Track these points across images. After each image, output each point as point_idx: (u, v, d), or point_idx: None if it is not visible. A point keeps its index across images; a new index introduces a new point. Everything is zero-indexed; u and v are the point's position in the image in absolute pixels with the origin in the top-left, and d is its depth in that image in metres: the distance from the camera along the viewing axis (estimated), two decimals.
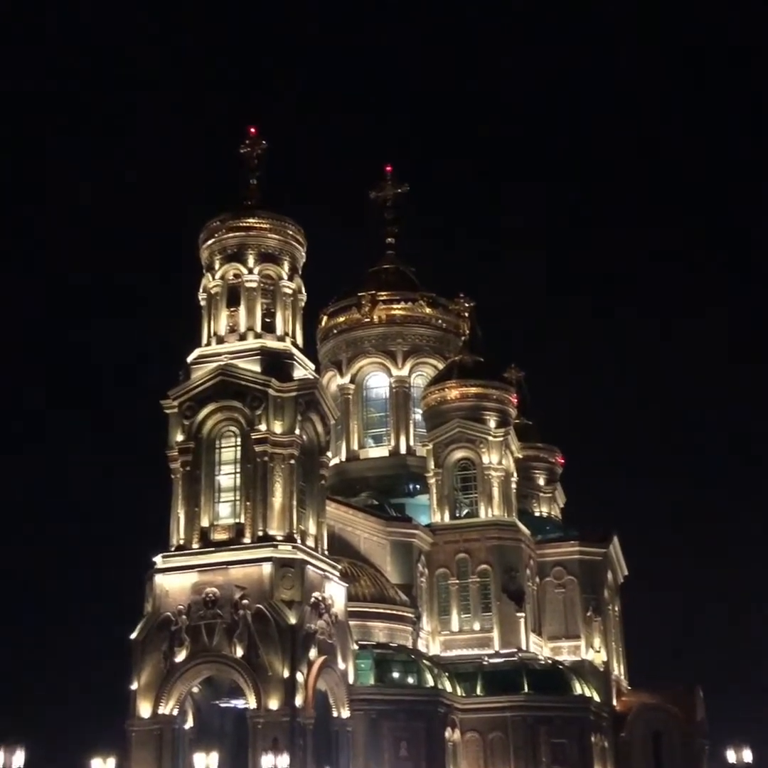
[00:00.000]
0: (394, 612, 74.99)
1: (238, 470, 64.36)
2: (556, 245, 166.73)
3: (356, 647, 68.34)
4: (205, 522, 63.79)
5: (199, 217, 71.72)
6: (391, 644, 73.19)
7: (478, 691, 74.48)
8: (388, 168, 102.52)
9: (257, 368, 65.64)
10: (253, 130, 72.13)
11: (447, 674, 73.93)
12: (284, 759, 53.73)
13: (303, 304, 71.69)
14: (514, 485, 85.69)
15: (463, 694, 73.82)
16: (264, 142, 71.97)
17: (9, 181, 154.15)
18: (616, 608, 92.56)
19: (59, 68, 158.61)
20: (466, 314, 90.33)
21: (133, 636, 62.39)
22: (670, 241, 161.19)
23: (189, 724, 62.80)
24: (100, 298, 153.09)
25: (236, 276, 69.30)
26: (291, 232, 70.65)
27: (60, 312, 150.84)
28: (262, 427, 63.97)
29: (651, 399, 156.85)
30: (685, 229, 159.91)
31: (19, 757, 47.05)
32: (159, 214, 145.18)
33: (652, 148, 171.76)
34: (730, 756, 60.92)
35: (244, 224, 69.80)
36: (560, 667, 79.18)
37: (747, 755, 60.41)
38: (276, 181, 73.36)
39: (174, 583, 62.50)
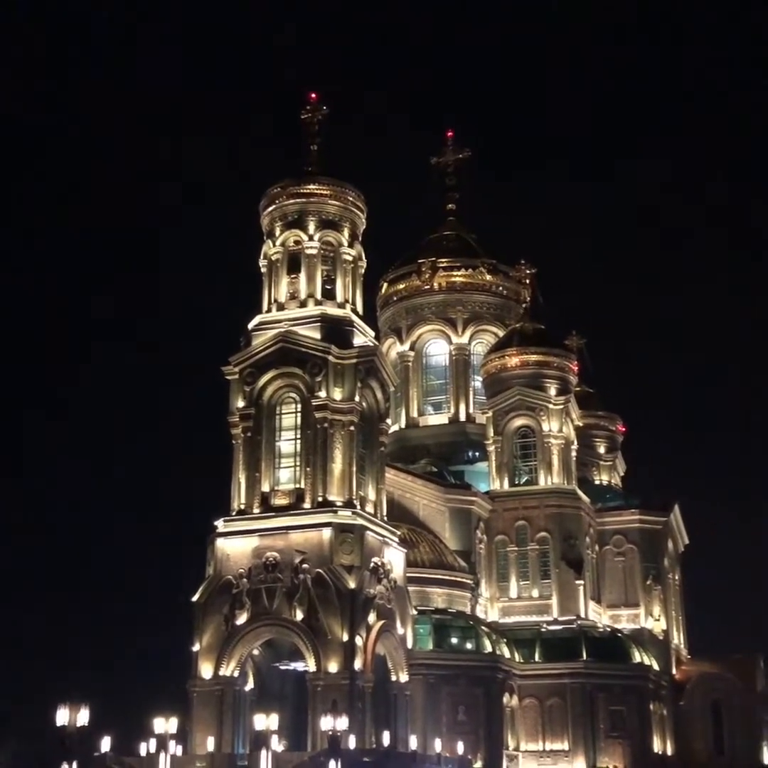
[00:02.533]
0: (453, 578, 75.30)
1: (299, 436, 64.85)
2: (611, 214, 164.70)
3: (415, 612, 68.74)
4: (265, 487, 64.41)
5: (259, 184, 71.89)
6: (449, 610, 73.57)
7: (537, 657, 74.69)
8: (450, 133, 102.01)
9: (317, 335, 65.84)
10: (313, 96, 71.92)
11: (505, 640, 74.19)
12: (343, 721, 54.21)
13: (363, 270, 71.63)
14: (574, 453, 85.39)
15: (522, 661, 74.05)
16: (325, 108, 71.69)
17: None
18: (677, 577, 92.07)
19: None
20: (527, 281, 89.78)
21: (194, 598, 63.31)
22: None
23: (250, 685, 63.74)
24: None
25: (297, 243, 69.37)
26: (351, 198, 70.44)
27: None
28: (322, 393, 64.26)
29: (714, 367, 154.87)
30: None
31: (84, 715, 48.08)
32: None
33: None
34: None
35: (305, 190, 69.70)
36: (619, 634, 79.06)
37: None
38: (336, 148, 73.22)
39: (235, 546, 63.28)
